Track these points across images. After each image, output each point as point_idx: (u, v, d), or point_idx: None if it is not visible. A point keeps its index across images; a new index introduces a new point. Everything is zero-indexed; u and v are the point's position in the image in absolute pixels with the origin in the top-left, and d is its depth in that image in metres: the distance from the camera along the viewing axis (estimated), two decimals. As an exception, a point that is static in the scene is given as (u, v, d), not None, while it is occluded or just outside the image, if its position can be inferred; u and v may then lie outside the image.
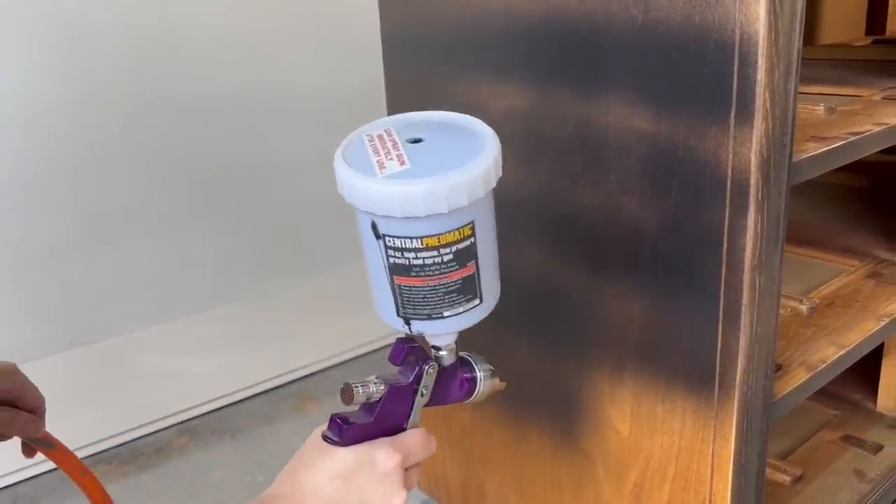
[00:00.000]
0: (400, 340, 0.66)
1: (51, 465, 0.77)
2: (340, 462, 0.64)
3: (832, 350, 0.93)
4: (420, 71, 1.01)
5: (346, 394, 0.63)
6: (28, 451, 0.80)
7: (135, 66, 1.55)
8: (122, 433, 1.61)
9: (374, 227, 0.60)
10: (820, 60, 1.37)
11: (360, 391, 0.63)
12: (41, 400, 0.79)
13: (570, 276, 0.89)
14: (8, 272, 1.49)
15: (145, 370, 1.67)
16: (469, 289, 0.63)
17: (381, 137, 0.62)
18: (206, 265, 1.74)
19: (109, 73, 1.52)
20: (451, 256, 0.60)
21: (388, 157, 0.59)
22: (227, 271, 1.77)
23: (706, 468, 0.80)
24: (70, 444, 0.80)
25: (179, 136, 1.64)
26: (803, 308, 1.01)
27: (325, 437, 0.65)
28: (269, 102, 1.74)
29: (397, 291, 0.63)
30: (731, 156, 0.71)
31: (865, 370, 1.31)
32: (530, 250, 0.92)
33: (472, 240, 0.61)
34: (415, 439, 0.67)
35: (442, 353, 0.68)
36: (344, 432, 0.64)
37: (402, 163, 0.58)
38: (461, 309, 0.63)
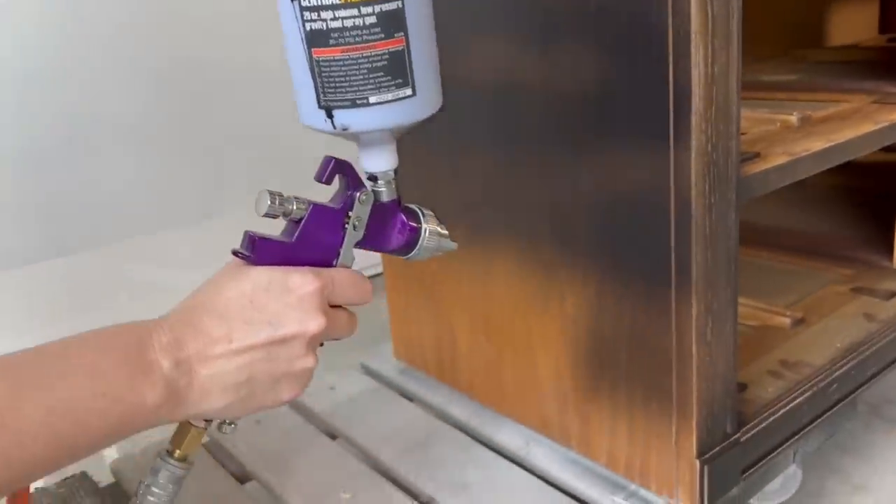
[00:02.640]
0: (329, 157, 0.58)
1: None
2: (249, 282, 0.55)
3: (820, 143, 0.84)
4: None
5: (260, 200, 0.55)
6: None
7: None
8: (112, 344, 1.57)
9: None
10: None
11: (278, 201, 0.55)
12: None
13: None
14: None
15: (133, 281, 1.64)
16: (398, 70, 0.55)
17: None
18: (196, 175, 1.70)
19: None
20: (374, 20, 0.53)
21: None
22: (218, 182, 1.73)
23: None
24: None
25: (172, 45, 1.61)
26: (793, 118, 0.93)
27: (235, 253, 0.56)
28: (262, 12, 1.70)
29: (316, 71, 0.55)
30: None
31: (882, 235, 1.21)
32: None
33: (400, 3, 0.54)
34: (342, 273, 0.58)
35: (379, 184, 0.60)
36: (257, 247, 0.55)
37: None
38: (390, 95, 0.55)
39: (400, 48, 0.55)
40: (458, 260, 0.97)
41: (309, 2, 0.53)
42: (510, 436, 0.95)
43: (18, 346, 0.51)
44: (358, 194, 0.59)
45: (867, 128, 0.88)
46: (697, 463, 0.76)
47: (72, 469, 0.92)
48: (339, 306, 0.59)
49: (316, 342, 0.56)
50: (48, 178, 1.53)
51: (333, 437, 1.02)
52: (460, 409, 1.02)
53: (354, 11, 0.53)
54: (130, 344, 0.51)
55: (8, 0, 1.43)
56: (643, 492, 0.83)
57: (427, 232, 0.63)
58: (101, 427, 0.49)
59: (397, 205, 0.62)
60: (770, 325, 1.01)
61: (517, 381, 0.94)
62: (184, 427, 0.59)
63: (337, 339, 0.60)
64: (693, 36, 0.65)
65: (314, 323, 0.54)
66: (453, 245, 0.65)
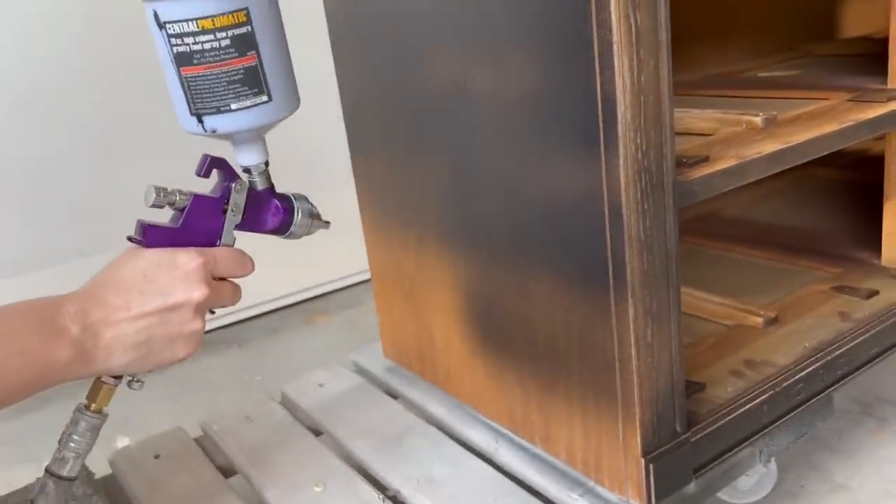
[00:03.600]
0: (205, 155, 0.69)
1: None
2: (143, 260, 0.66)
3: (775, 145, 0.84)
4: None
5: (147, 194, 0.66)
6: None
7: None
8: (134, 342, 1.65)
9: (156, 16, 0.65)
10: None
11: (163, 193, 0.66)
12: None
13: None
14: (16, 183, 1.56)
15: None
16: (253, 81, 0.67)
17: None
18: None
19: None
20: (228, 42, 0.65)
21: None
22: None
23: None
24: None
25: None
26: (758, 120, 0.93)
27: (129, 238, 0.68)
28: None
29: (185, 85, 0.66)
30: None
31: (873, 231, 1.19)
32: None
33: (249, 27, 0.65)
34: (223, 251, 0.69)
35: (253, 175, 0.72)
36: (148, 232, 0.67)
37: None
38: (248, 103, 0.67)
39: (253, 63, 0.66)
40: (432, 263, 1.00)
41: (174, 30, 0.65)
42: (482, 432, 0.98)
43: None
44: (233, 185, 0.70)
45: (829, 128, 0.88)
46: (643, 461, 0.78)
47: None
48: (224, 279, 0.70)
49: (203, 309, 0.67)
50: (71, 183, 1.61)
51: (318, 432, 1.06)
52: (439, 406, 1.05)
53: (211, 36, 0.65)
54: (44, 313, 0.61)
55: (29, 13, 1.51)
56: (599, 488, 0.85)
57: (300, 213, 0.74)
58: (18, 380, 0.59)
59: (271, 192, 0.73)
60: (743, 325, 1.01)
61: (487, 380, 0.97)
62: (97, 384, 0.69)
63: (224, 306, 0.71)
64: (615, 47, 0.67)
65: (198, 292, 0.66)
66: (326, 224, 0.76)
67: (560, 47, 0.71)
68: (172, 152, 1.68)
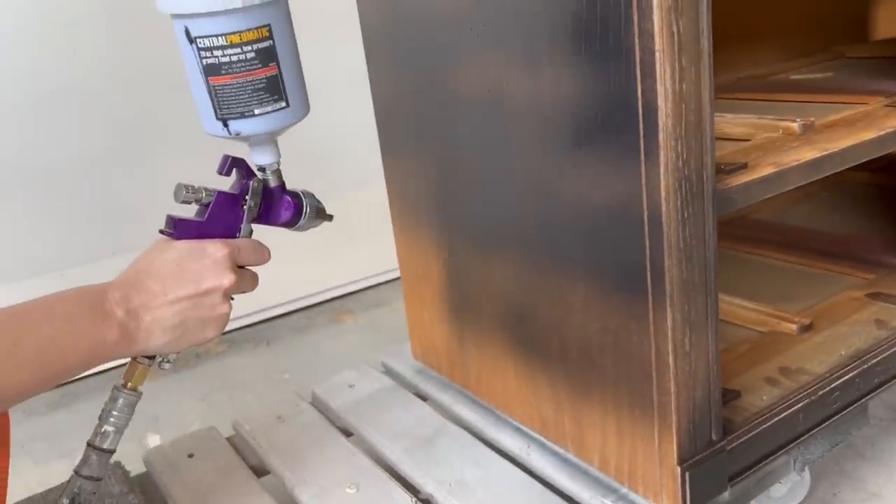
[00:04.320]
0: (226, 155, 0.76)
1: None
2: (175, 251, 0.72)
3: (814, 152, 0.84)
4: None
5: (177, 191, 0.73)
6: None
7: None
8: (163, 339, 1.66)
9: (187, 32, 0.71)
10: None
11: (191, 190, 0.73)
12: None
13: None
14: (51, 181, 1.58)
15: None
16: (274, 89, 0.73)
17: None
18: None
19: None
20: (253, 54, 0.72)
21: None
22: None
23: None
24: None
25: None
26: (795, 126, 0.92)
27: (161, 231, 0.74)
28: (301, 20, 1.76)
29: (213, 93, 0.73)
30: None
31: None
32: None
33: (271, 41, 0.72)
34: (245, 241, 0.76)
35: (267, 174, 0.79)
36: (178, 225, 0.73)
37: None
38: (269, 108, 0.74)
39: (274, 73, 0.73)
40: (462, 266, 1.00)
41: (204, 44, 0.71)
42: (513, 436, 0.98)
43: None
44: (251, 182, 0.77)
45: (868, 135, 0.87)
46: (679, 469, 0.78)
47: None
48: (244, 267, 0.77)
49: (229, 294, 0.74)
50: (101, 181, 1.62)
51: (348, 433, 1.07)
52: (469, 410, 1.05)
53: (238, 49, 0.71)
54: (92, 298, 0.68)
55: (51, 13, 1.52)
56: (632, 495, 0.85)
57: (308, 207, 0.81)
58: (74, 358, 0.65)
59: (282, 189, 0.81)
60: (777, 331, 1.01)
61: (518, 383, 0.97)
62: (132, 365, 0.76)
63: (245, 292, 0.77)
64: (658, 55, 0.66)
65: (227, 279, 0.72)
66: (330, 218, 0.84)
67: (600, 54, 0.71)
68: (203, 148, 1.70)
